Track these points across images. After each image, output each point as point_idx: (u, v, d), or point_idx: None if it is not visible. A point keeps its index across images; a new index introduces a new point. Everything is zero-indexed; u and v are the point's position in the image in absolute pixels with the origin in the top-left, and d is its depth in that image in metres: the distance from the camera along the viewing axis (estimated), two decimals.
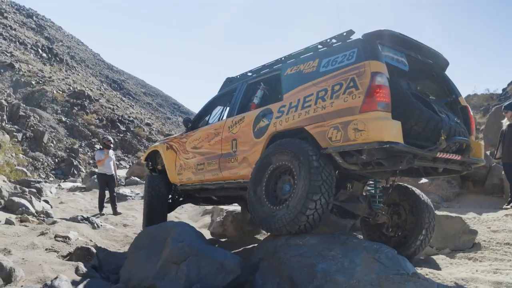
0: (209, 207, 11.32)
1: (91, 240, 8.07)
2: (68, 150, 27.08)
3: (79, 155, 27.28)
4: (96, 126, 32.90)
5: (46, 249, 6.95)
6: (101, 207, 12.03)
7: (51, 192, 14.89)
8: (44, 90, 33.19)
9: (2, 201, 10.61)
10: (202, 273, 4.83)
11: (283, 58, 6.27)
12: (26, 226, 8.46)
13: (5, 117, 23.46)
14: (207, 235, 8.86)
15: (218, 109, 7.32)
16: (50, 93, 33.31)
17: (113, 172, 12.38)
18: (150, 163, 8.81)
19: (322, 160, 4.75)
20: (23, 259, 6.30)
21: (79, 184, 19.44)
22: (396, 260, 4.75)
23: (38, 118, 28.19)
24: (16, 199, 10.59)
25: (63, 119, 31.17)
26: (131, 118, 38.99)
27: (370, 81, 4.53)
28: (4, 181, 11.58)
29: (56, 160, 25.27)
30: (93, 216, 10.77)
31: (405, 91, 4.90)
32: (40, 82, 34.68)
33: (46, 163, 24.22)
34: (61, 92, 34.75)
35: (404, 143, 4.40)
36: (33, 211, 10.35)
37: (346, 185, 5.43)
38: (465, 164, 5.34)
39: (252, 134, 5.74)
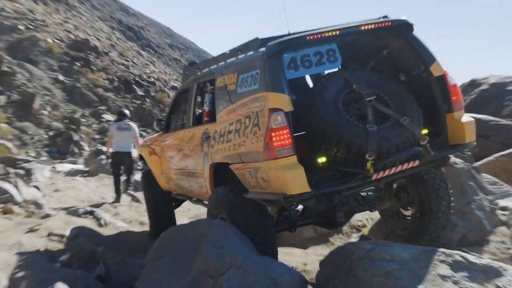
0: None
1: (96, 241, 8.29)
2: (66, 120, 27.85)
3: (81, 127, 28.01)
4: (104, 88, 33.66)
5: (37, 251, 7.19)
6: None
7: (43, 176, 15.39)
8: (36, 38, 34.15)
9: None
10: None
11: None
12: (10, 219, 8.80)
13: None
14: None
15: (182, 107, 8.71)
16: (43, 42, 34.24)
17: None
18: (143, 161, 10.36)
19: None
20: (5, 262, 6.55)
21: (81, 167, 20.03)
22: None
23: (27, 75, 29.11)
24: None
25: (61, 78, 32.04)
26: (152, 79, 39.64)
27: (268, 122, 5.36)
28: None
29: (51, 134, 26.05)
30: (99, 208, 11.09)
31: (329, 106, 5.65)
32: (30, 27, 35.70)
33: (37, 137, 25.03)
34: (58, 42, 35.68)
35: (313, 186, 5.25)
36: (20, 199, 10.71)
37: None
38: (436, 160, 6.01)
39: (202, 158, 7.06)
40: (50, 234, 8.07)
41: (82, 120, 28.80)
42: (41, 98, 27.61)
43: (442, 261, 4.95)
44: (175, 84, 43.88)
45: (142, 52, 57.02)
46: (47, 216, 9.46)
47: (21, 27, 34.73)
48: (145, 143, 10.33)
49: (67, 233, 8.24)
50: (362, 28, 6.00)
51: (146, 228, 10.11)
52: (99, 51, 38.13)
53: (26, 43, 33.41)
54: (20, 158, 15.39)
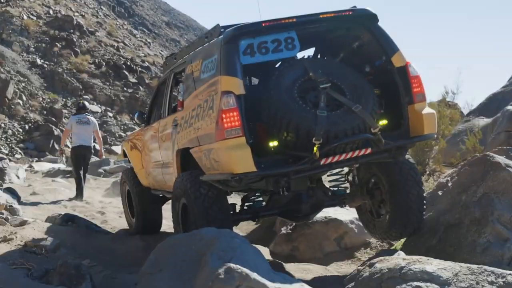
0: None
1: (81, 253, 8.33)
2: (45, 112, 27.96)
3: (63, 119, 28.10)
4: (90, 74, 33.75)
5: (11, 264, 7.23)
6: None
7: (18, 177, 15.43)
8: (8, 14, 34.30)
9: None
10: None
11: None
12: None
13: None
14: (265, 254, 8.91)
15: (161, 99, 9.69)
16: (17, 19, 34.37)
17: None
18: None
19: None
20: None
21: (62, 166, 20.05)
22: None
23: None
24: None
25: (39, 61, 32.15)
26: (146, 64, 39.72)
27: (220, 103, 6.36)
28: None
29: (27, 127, 26.16)
30: (84, 214, 11.13)
31: (283, 91, 6.60)
32: (2, 1, 35.84)
33: (10, 131, 25.14)
34: (35, 19, 35.82)
35: (261, 168, 6.32)
36: None
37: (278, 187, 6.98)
38: (392, 150, 6.85)
39: (171, 146, 8.10)
40: (26, 245, 8.10)
41: (64, 111, 28.87)
42: (15, 85, 27.69)
43: (492, 283, 4.87)
44: None
45: (134, 31, 57.12)
46: (23, 223, 9.48)
47: None
48: (128, 137, 11.63)
49: (46, 243, 8.27)
50: (321, 16, 7.04)
51: (139, 238, 10.15)
52: (83, 30, 38.23)
53: None
54: None
